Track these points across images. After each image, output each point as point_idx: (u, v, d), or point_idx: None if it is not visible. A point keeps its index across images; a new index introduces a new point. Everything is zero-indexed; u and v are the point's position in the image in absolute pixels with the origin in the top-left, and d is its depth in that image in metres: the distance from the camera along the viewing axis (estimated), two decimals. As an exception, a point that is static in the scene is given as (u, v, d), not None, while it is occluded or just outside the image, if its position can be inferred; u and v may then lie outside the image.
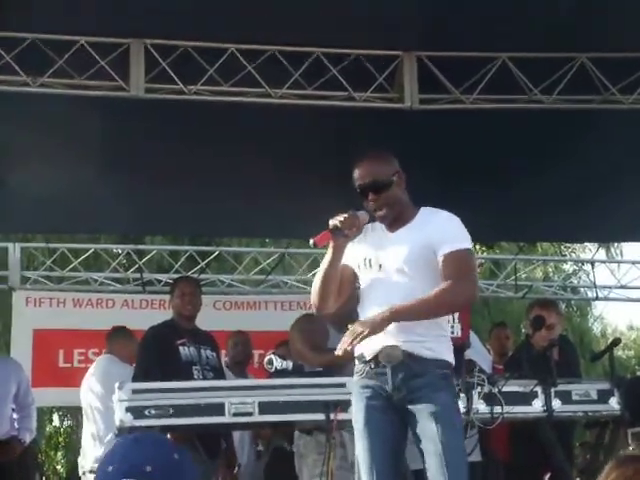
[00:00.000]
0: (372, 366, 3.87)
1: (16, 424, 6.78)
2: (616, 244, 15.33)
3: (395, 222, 3.97)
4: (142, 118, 6.41)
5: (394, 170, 3.98)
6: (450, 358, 3.91)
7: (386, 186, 3.92)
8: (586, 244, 16.07)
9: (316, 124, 6.61)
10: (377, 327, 3.74)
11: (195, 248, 10.71)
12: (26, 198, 7.65)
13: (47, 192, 7.60)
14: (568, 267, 17.20)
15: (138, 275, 10.27)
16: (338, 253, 3.87)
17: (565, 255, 17.41)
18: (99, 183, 7.54)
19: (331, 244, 3.85)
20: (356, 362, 3.96)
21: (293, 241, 11.17)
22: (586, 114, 6.50)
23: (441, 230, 3.88)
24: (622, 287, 11.10)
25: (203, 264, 10.45)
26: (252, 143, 6.94)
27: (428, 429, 3.74)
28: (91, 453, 6.60)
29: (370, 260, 3.93)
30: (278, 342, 7.33)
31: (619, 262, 12.42)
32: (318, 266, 10.41)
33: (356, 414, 3.92)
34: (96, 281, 10.18)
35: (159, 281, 10.23)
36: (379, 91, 6.28)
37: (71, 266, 10.09)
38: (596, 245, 13.24)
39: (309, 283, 10.74)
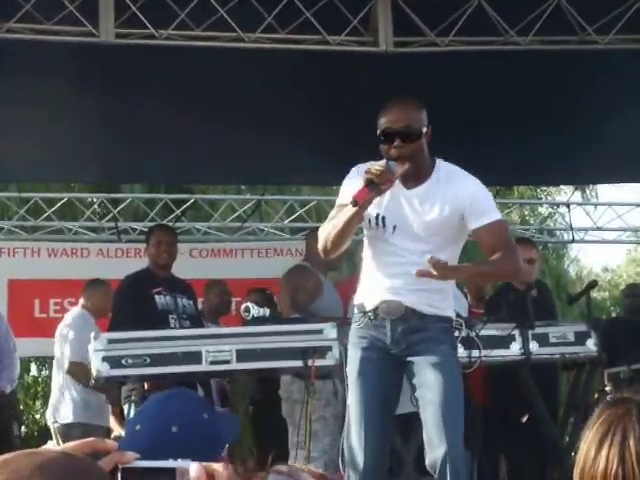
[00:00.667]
0: (371, 317, 3.83)
1: None
2: (591, 186, 15.34)
3: (411, 177, 3.79)
4: (115, 63, 6.30)
5: (425, 122, 3.82)
6: (452, 314, 3.92)
7: (417, 136, 3.74)
8: (562, 187, 16.07)
9: (290, 68, 6.52)
10: (451, 274, 3.77)
11: (170, 196, 10.62)
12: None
13: (19, 140, 7.50)
14: (544, 210, 17.23)
15: (113, 224, 10.19)
16: (365, 208, 3.68)
17: (541, 198, 17.41)
18: (72, 131, 7.44)
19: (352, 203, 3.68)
20: (355, 311, 3.91)
21: (269, 188, 11.10)
22: (562, 55, 6.43)
23: (475, 198, 3.80)
24: (598, 229, 11.13)
25: (178, 212, 10.38)
26: (228, 89, 6.85)
27: (428, 379, 3.74)
28: (61, 406, 6.63)
29: (384, 219, 3.80)
30: (250, 289, 7.34)
31: (595, 204, 12.45)
32: (294, 213, 10.56)
33: (350, 365, 3.88)
34: (70, 230, 10.09)
35: (134, 229, 10.15)
36: (353, 34, 6.18)
37: (45, 215, 9.99)
38: (572, 188, 13.25)
39: (285, 230, 10.77)
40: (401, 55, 6.14)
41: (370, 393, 3.79)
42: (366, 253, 3.94)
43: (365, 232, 3.94)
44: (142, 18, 5.83)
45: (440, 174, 3.84)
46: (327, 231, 3.80)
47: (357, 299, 3.91)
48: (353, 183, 3.78)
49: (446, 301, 3.91)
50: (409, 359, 3.80)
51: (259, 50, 6.09)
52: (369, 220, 3.82)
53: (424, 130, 3.79)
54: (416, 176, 3.81)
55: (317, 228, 7.41)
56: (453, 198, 3.77)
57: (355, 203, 3.61)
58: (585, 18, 6.20)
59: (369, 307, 3.83)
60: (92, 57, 6.16)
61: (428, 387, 3.73)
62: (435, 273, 3.53)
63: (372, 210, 3.78)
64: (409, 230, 3.76)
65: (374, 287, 3.85)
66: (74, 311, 7.12)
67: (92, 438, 1.14)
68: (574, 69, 6.77)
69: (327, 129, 7.41)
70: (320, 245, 3.85)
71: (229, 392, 7.39)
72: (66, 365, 6.69)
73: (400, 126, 3.73)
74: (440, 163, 3.88)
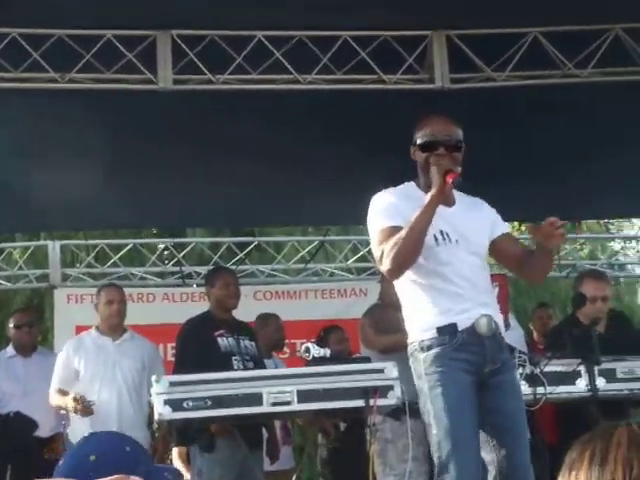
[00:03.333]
0: (465, 336, 3.66)
1: (63, 420, 6.78)
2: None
3: (444, 196, 3.74)
4: (173, 111, 6.38)
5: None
6: None
7: (460, 147, 3.79)
8: (633, 221, 15.85)
9: (349, 107, 6.54)
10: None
11: (234, 239, 10.69)
12: (61, 196, 7.66)
13: (83, 189, 7.62)
14: (616, 245, 16.97)
15: (178, 269, 10.28)
16: (440, 201, 3.63)
17: (612, 232, 17.17)
18: (137, 177, 7.54)
19: (435, 192, 3.60)
20: (432, 333, 3.69)
21: (333, 228, 11.11)
22: (621, 87, 6.36)
23: (494, 215, 3.92)
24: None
25: (242, 255, 10.43)
26: (289, 131, 6.89)
27: (510, 406, 3.69)
28: None
29: (448, 234, 3.74)
30: (320, 330, 7.29)
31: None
32: (358, 252, 10.54)
33: (447, 387, 3.62)
34: (136, 276, 10.21)
35: (198, 274, 10.23)
36: (409, 72, 6.20)
37: (111, 262, 10.13)
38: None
39: (349, 270, 10.74)
40: (456, 91, 6.13)
41: (473, 414, 3.64)
42: (425, 276, 3.75)
43: (424, 255, 3.75)
44: (199, 64, 5.91)
45: (464, 199, 3.91)
46: (395, 244, 3.60)
47: (432, 322, 3.69)
48: (397, 203, 3.75)
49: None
50: (493, 380, 3.69)
51: (315, 91, 6.13)
52: (434, 237, 3.72)
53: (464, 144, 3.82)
54: (448, 195, 3.80)
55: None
56: (482, 218, 3.86)
57: (451, 182, 3.60)
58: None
59: (463, 325, 3.66)
60: (152, 104, 6.25)
61: (510, 415, 3.68)
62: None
63: (432, 229, 3.69)
64: (467, 243, 3.75)
65: (459, 302, 3.69)
66: None
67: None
68: (633, 100, 6.68)
69: (387, 168, 7.39)
70: (392, 266, 3.64)
71: (292, 430, 7.34)
72: None
73: (453, 136, 3.77)
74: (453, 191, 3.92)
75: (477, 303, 3.70)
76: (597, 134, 7.11)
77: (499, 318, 3.79)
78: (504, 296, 4.96)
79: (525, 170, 7.20)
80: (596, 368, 5.04)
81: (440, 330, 3.68)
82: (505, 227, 3.93)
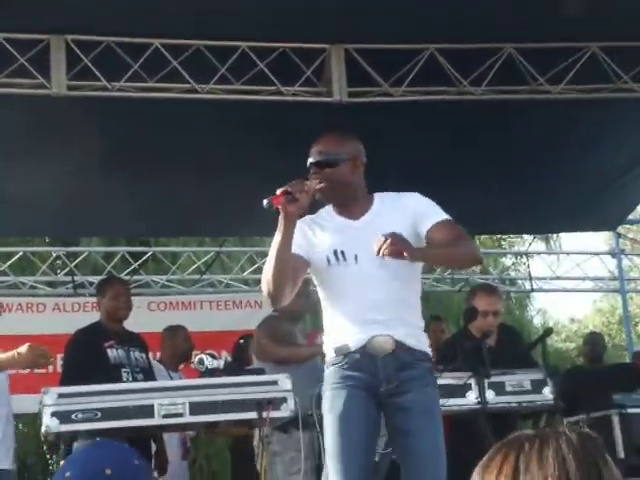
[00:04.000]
0: (358, 357, 3.66)
1: None
2: (555, 236, 15.46)
3: (353, 210, 3.76)
4: (64, 114, 6.27)
5: (349, 152, 3.77)
6: (430, 352, 3.80)
7: (330, 165, 3.71)
8: (524, 237, 16.19)
9: (248, 119, 6.52)
10: (409, 252, 3.50)
11: (128, 249, 10.56)
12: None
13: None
14: (507, 260, 17.31)
15: (70, 278, 10.09)
16: (290, 224, 3.53)
17: (504, 248, 17.53)
18: (27, 184, 7.37)
19: (281, 215, 3.51)
20: (332, 353, 3.71)
21: (229, 239, 11.06)
22: (514, 103, 6.49)
23: (419, 205, 3.76)
24: (557, 278, 11.18)
25: (136, 265, 10.30)
26: (181, 141, 6.84)
27: (414, 426, 3.61)
28: None
29: (343, 252, 3.69)
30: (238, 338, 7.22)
31: (554, 253, 12.54)
32: (255, 264, 10.51)
33: (333, 401, 3.66)
34: (25, 285, 9.98)
35: (91, 283, 10.05)
36: (307, 85, 6.21)
37: (-1, 269, 9.89)
38: (533, 237, 13.34)
39: (246, 282, 10.71)
40: (355, 105, 6.17)
41: (357, 426, 3.61)
42: (327, 298, 3.79)
43: (319, 279, 3.80)
44: (94, 70, 5.82)
45: (382, 199, 3.84)
46: (265, 272, 3.65)
47: (332, 343, 3.72)
48: (300, 227, 3.68)
49: (424, 336, 3.81)
50: (395, 400, 3.65)
51: (210, 101, 6.09)
52: (327, 259, 3.71)
53: (343, 158, 3.75)
54: (353, 206, 3.78)
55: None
56: (401, 214, 3.73)
57: (269, 205, 3.48)
58: (536, 68, 6.28)
59: (354, 346, 3.66)
60: (43, 110, 6.12)
61: (414, 434, 3.61)
62: (399, 250, 3.43)
63: (326, 251, 3.70)
64: (372, 256, 3.59)
65: (353, 324, 3.68)
66: None
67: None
68: (529, 118, 6.83)
69: (285, 179, 7.40)
70: (264, 291, 3.68)
71: (192, 446, 7.27)
72: None
73: (315, 158, 3.75)
74: (377, 194, 3.88)
75: (372, 322, 3.65)
76: (496, 152, 7.26)
77: (408, 335, 3.69)
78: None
79: (420, 185, 7.27)
80: (486, 381, 5.10)
81: (336, 351, 3.70)
82: (433, 218, 3.71)
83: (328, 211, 3.83)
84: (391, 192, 3.88)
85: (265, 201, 3.48)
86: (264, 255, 10.34)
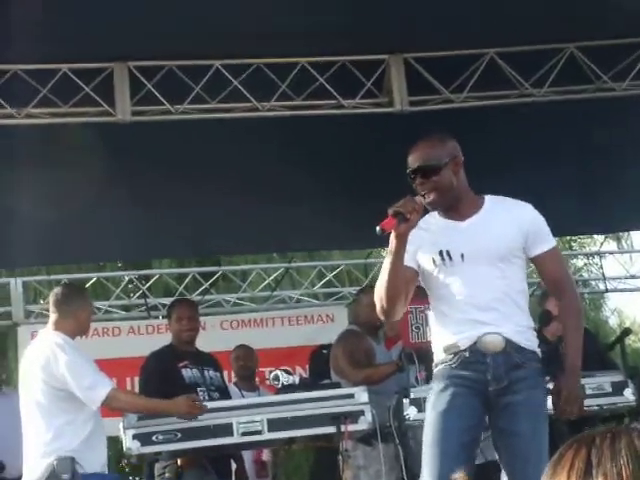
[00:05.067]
0: (467, 355, 3.63)
1: None
2: (626, 235, 15.21)
3: (458, 211, 3.75)
4: (134, 142, 6.36)
5: (447, 154, 3.75)
6: (539, 352, 3.77)
7: (434, 170, 3.69)
8: (596, 237, 15.97)
9: (310, 134, 6.55)
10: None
11: (198, 269, 10.65)
12: (24, 231, 7.59)
13: (45, 223, 7.55)
14: (579, 262, 17.08)
15: (143, 301, 10.21)
16: (402, 243, 3.53)
17: (575, 249, 17.30)
18: (98, 209, 7.48)
19: (393, 234, 3.51)
20: (441, 352, 3.70)
21: (297, 255, 11.09)
22: (580, 104, 6.41)
23: (535, 223, 3.75)
24: (632, 277, 10.99)
25: (207, 285, 10.38)
26: (248, 160, 6.89)
27: (522, 428, 3.59)
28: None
29: (449, 252, 3.67)
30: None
31: (627, 252, 12.32)
32: (324, 278, 10.53)
33: (438, 397, 3.64)
34: (101, 310, 10.12)
35: (164, 305, 10.15)
36: (368, 96, 6.21)
37: (75, 296, 10.01)
38: (604, 237, 13.15)
39: (316, 296, 10.72)
40: (416, 114, 6.15)
41: (459, 423, 3.59)
42: (435, 298, 3.77)
43: (427, 281, 3.77)
44: (157, 94, 5.89)
45: (492, 204, 3.80)
46: (377, 289, 3.65)
47: (441, 342, 3.70)
48: (419, 239, 3.69)
49: (534, 335, 3.78)
50: (505, 400, 3.62)
51: (275, 118, 6.13)
52: (433, 261, 3.70)
53: (444, 162, 3.73)
54: (460, 208, 3.76)
55: (358, 291, 7.44)
56: (512, 222, 3.70)
57: (382, 231, 3.46)
58: (599, 66, 6.21)
59: (464, 345, 3.63)
60: (110, 136, 6.21)
61: (522, 437, 3.58)
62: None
63: (431, 252, 3.70)
64: (479, 255, 3.64)
65: (462, 323, 3.66)
66: None
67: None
68: (594, 117, 6.74)
69: (349, 192, 7.42)
70: (377, 308, 3.67)
71: (271, 463, 7.29)
72: None
73: (416, 166, 3.73)
74: (488, 196, 3.84)
75: (481, 320, 3.63)
76: (563, 150, 7.18)
77: (517, 333, 3.66)
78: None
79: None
80: (565, 385, 5.02)
81: (445, 349, 3.69)
82: (545, 244, 3.74)
83: (433, 215, 3.81)
84: (507, 197, 3.85)
85: (377, 228, 3.46)
86: (332, 269, 10.50)
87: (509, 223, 3.71)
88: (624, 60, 6.21)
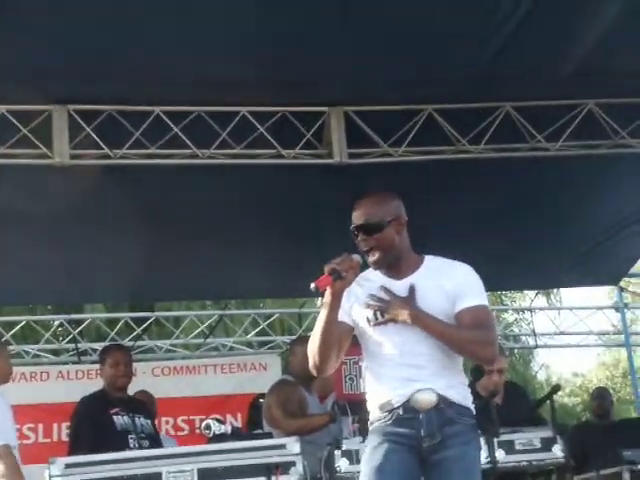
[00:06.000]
0: (401, 412, 3.63)
1: None
2: (555, 291, 15.45)
3: (397, 269, 3.74)
4: (68, 184, 6.31)
5: (391, 213, 3.74)
6: (473, 408, 3.73)
7: (377, 228, 3.70)
8: (526, 293, 16.17)
9: (247, 182, 6.57)
10: (406, 315, 3.57)
11: (131, 315, 10.54)
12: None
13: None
14: (509, 316, 17.30)
15: (73, 345, 10.06)
16: (336, 300, 3.54)
17: (506, 304, 17.50)
18: (27, 253, 7.39)
19: (328, 291, 3.51)
20: (376, 410, 3.70)
21: (232, 302, 11.05)
22: (514, 162, 6.54)
23: (463, 282, 3.69)
24: (561, 333, 11.15)
25: (139, 330, 10.28)
26: (184, 207, 6.89)
27: None
28: None
29: (382, 312, 3.68)
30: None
31: (557, 309, 12.52)
32: (258, 326, 10.51)
33: (372, 453, 3.63)
34: (29, 353, 9.95)
35: (95, 350, 10.02)
36: (308, 147, 6.27)
37: (3, 339, 9.83)
38: (535, 293, 13.32)
39: (250, 344, 10.68)
40: (355, 166, 6.21)
41: (393, 478, 3.57)
42: (369, 356, 3.77)
43: (361, 339, 3.76)
44: (96, 138, 5.88)
45: (430, 263, 3.79)
46: (310, 344, 3.65)
47: (375, 400, 3.70)
48: (355, 296, 3.70)
49: (468, 391, 3.76)
50: (437, 457, 3.59)
51: (214, 166, 6.14)
52: (367, 319, 3.70)
53: (387, 221, 3.73)
54: (399, 267, 3.75)
55: (292, 341, 7.41)
56: (446, 285, 3.69)
57: (317, 289, 3.46)
58: (534, 125, 6.35)
59: (397, 402, 3.63)
60: (46, 180, 6.17)
61: None
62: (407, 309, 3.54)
63: (366, 310, 3.69)
64: None
65: (395, 380, 3.66)
66: None
67: None
68: (528, 175, 6.87)
69: (284, 241, 7.44)
70: (310, 364, 3.67)
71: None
72: None
73: (359, 222, 3.73)
74: (428, 257, 3.83)
75: (414, 377, 3.63)
76: (496, 209, 7.28)
77: (450, 389, 3.65)
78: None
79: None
80: (495, 440, 5.06)
81: (380, 407, 3.69)
82: (468, 301, 3.66)
83: (371, 271, 3.79)
84: (445, 258, 3.81)
85: (312, 285, 3.45)
86: (266, 317, 10.47)
87: (440, 285, 3.70)
88: (558, 120, 6.36)
